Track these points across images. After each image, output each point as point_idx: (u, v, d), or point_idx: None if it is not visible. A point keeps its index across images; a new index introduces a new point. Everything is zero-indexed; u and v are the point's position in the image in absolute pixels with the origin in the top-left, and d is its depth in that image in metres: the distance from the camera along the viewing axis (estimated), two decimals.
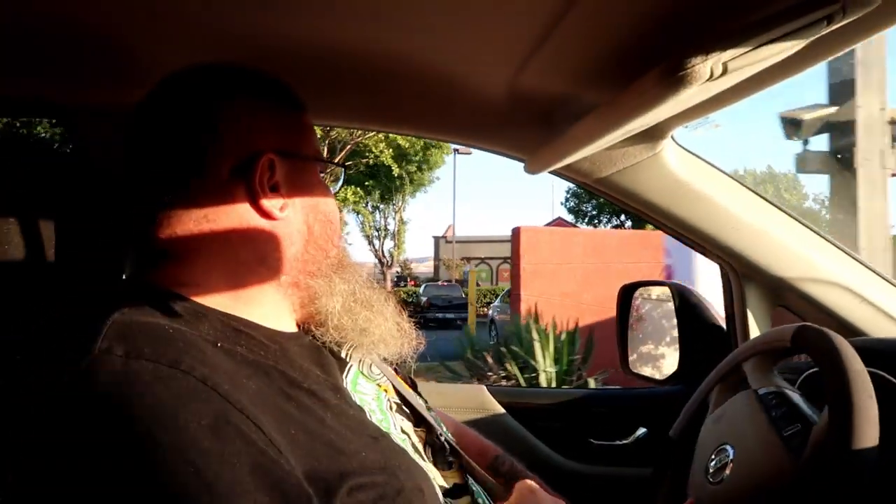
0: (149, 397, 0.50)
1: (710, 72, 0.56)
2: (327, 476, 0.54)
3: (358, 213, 20.99)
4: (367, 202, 21.37)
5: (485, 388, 1.38)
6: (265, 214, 0.67)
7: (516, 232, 7.66)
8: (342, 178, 0.82)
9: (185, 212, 0.64)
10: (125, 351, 0.52)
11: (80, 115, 1.03)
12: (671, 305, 1.32)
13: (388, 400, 0.76)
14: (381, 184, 20.17)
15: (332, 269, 0.73)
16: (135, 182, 0.67)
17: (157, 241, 0.65)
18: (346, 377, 0.71)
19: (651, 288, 1.55)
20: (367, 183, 19.90)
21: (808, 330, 0.73)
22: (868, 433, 0.60)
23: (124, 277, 0.85)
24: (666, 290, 1.39)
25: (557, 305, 6.23)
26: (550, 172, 1.11)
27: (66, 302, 0.62)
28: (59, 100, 1.01)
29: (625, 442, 1.32)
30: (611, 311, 1.45)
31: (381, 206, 21.88)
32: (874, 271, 1.08)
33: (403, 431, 0.73)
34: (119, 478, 0.47)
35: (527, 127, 1.05)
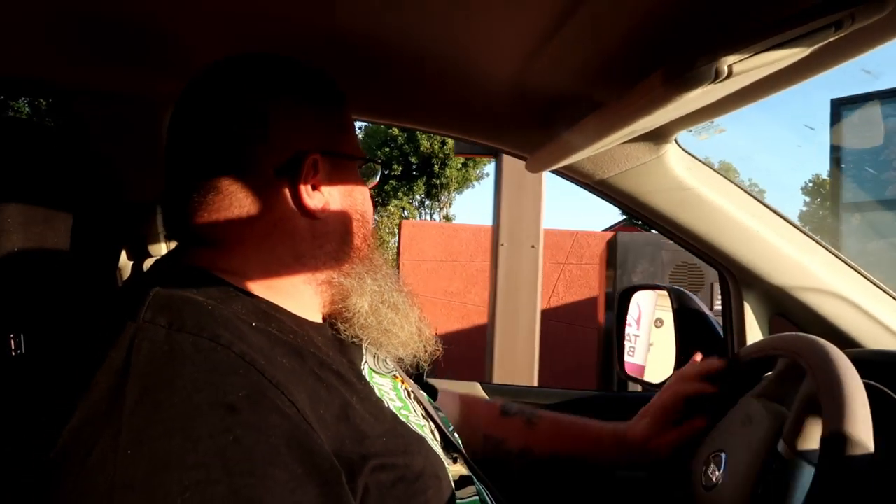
0: (189, 368, 0.51)
1: (714, 74, 0.55)
2: (352, 457, 0.56)
3: (403, 208, 20.85)
4: (413, 199, 21.28)
5: (478, 384, 1.38)
6: (306, 213, 0.68)
7: (399, 226, 7.50)
8: (379, 174, 0.83)
9: (228, 203, 0.66)
10: (168, 322, 0.54)
11: (79, 98, 1.03)
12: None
13: (405, 389, 0.79)
14: (424, 181, 20.16)
15: (365, 268, 0.74)
16: (178, 168, 0.69)
17: (197, 228, 0.67)
18: (363, 368, 0.73)
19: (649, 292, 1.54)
20: (412, 182, 19.91)
21: (804, 340, 0.73)
22: (862, 442, 0.59)
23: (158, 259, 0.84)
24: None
25: (441, 305, 6.14)
26: (552, 172, 1.11)
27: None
28: (60, 81, 1.01)
29: None
30: None
31: (427, 203, 21.73)
32: (873, 282, 1.08)
33: (424, 418, 0.77)
34: (158, 445, 0.47)
35: (529, 125, 1.05)
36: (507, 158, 3.03)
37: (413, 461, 0.62)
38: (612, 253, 2.64)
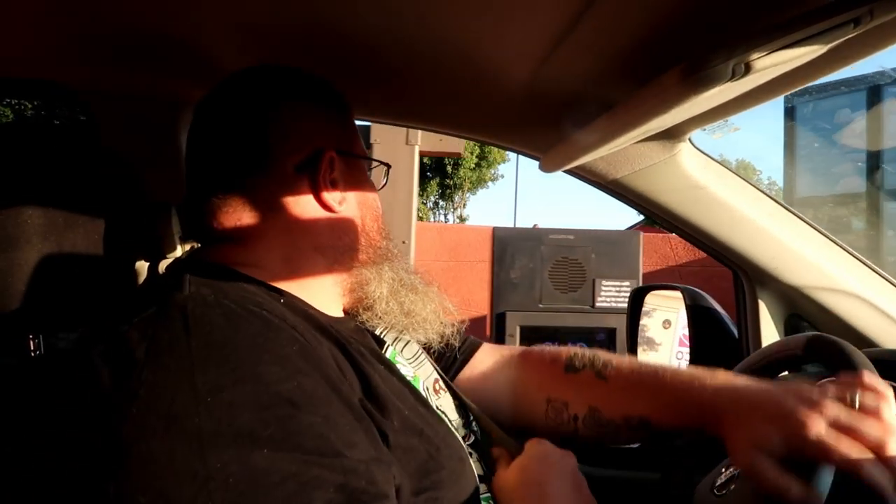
0: (244, 325, 0.56)
1: (731, 72, 0.55)
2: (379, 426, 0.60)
3: (418, 208, 20.79)
4: (427, 201, 21.25)
5: None
6: (326, 207, 0.72)
7: None
8: (386, 177, 0.90)
9: (252, 200, 0.70)
10: (213, 293, 0.59)
11: (92, 99, 1.04)
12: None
13: (423, 382, 0.79)
14: (438, 182, 20.14)
15: (381, 257, 0.79)
16: (201, 170, 0.73)
17: (218, 227, 0.70)
18: (385, 353, 0.76)
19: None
20: (426, 183, 19.88)
21: (822, 339, 0.72)
22: None
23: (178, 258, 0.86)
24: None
25: None
26: (565, 172, 1.11)
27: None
28: (73, 83, 1.02)
29: (634, 446, 1.31)
30: None
31: (442, 203, 21.71)
32: (890, 281, 1.06)
33: (440, 409, 0.76)
34: (234, 391, 0.51)
35: (543, 125, 1.05)
36: (376, 153, 2.96)
37: (431, 438, 0.65)
38: (493, 248, 2.58)
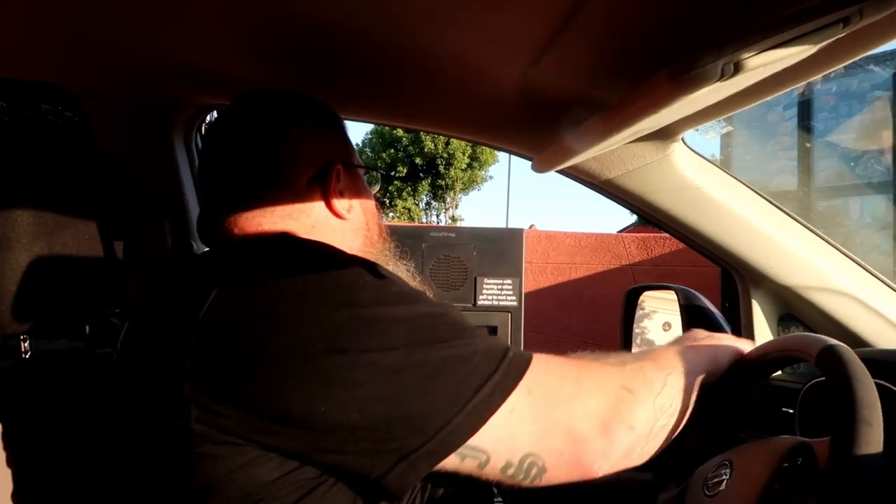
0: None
1: (721, 72, 0.55)
2: None
3: (409, 209, 20.81)
4: (418, 201, 21.20)
5: None
6: (337, 214, 0.80)
7: None
8: (379, 182, 0.97)
9: (271, 212, 0.76)
10: None
11: (85, 99, 1.04)
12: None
13: None
14: (429, 182, 20.11)
15: (386, 258, 0.87)
16: (219, 187, 0.79)
17: (241, 234, 0.76)
18: None
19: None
20: (416, 183, 19.86)
21: (834, 354, 0.69)
22: (874, 446, 0.58)
23: None
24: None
25: None
26: (558, 172, 1.11)
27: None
28: (66, 84, 1.01)
29: None
30: None
31: (435, 204, 21.68)
32: (883, 281, 1.07)
33: None
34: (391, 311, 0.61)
35: (535, 125, 1.05)
36: None
37: None
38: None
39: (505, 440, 0.60)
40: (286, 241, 0.71)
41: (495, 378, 0.60)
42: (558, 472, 0.63)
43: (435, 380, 0.57)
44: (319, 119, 0.84)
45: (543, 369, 0.65)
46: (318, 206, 0.79)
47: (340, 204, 0.80)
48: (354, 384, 0.55)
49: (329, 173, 0.79)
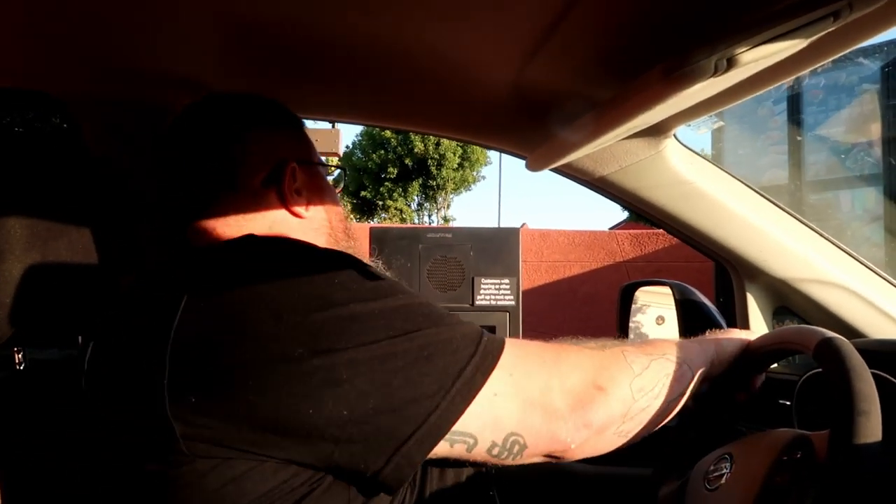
0: None
1: (714, 68, 0.55)
2: None
3: (401, 210, 20.76)
4: (410, 202, 21.15)
5: None
6: (295, 214, 0.79)
7: None
8: (343, 180, 0.98)
9: (225, 217, 0.76)
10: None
11: (74, 106, 1.03)
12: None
13: None
14: (420, 183, 20.07)
15: None
16: (177, 188, 0.78)
17: (198, 239, 0.76)
18: None
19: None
20: (407, 184, 19.81)
21: (832, 347, 0.68)
22: (872, 437, 0.59)
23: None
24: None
25: None
26: (552, 170, 1.11)
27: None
28: (55, 91, 1.01)
29: None
30: None
31: (426, 205, 21.64)
32: (876, 272, 1.07)
33: None
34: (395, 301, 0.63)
35: (529, 124, 1.05)
36: None
37: None
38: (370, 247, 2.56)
39: (490, 423, 0.62)
40: (252, 243, 0.69)
41: (475, 360, 0.62)
42: (537, 448, 0.66)
43: (418, 367, 0.59)
44: (271, 119, 0.83)
45: (522, 353, 0.67)
46: (275, 206, 0.78)
47: (298, 203, 0.79)
48: (340, 383, 0.56)
49: (283, 172, 0.78)
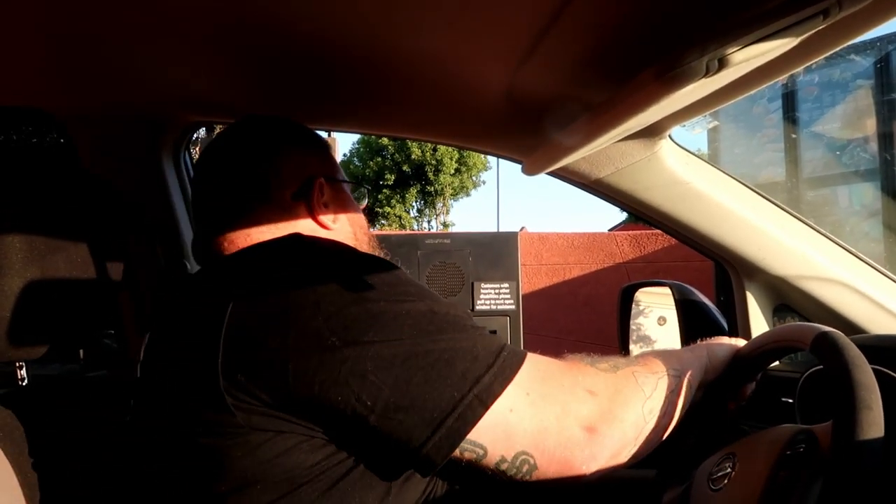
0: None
1: (706, 68, 0.56)
2: None
3: (400, 216, 20.76)
4: (408, 208, 21.16)
5: None
6: (322, 225, 0.85)
7: None
8: (366, 197, 1.05)
9: (258, 226, 0.81)
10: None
11: (70, 122, 1.03)
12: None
13: None
14: (418, 189, 20.09)
15: None
16: (211, 205, 0.84)
17: (232, 248, 0.80)
18: None
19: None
20: (405, 190, 19.82)
21: (828, 340, 0.69)
22: (874, 432, 0.59)
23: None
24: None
25: None
26: (548, 174, 1.11)
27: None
28: (50, 107, 1.01)
29: None
30: None
31: (426, 211, 21.67)
32: (874, 267, 1.07)
33: None
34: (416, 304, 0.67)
35: (523, 129, 1.05)
36: None
37: None
38: None
39: (502, 438, 0.64)
40: (297, 241, 0.73)
41: (494, 370, 0.64)
42: (548, 471, 0.67)
43: (439, 368, 0.62)
44: (302, 140, 0.90)
45: (541, 374, 0.69)
46: (304, 218, 0.84)
47: (325, 215, 0.85)
48: (365, 374, 0.60)
49: (312, 187, 0.84)
